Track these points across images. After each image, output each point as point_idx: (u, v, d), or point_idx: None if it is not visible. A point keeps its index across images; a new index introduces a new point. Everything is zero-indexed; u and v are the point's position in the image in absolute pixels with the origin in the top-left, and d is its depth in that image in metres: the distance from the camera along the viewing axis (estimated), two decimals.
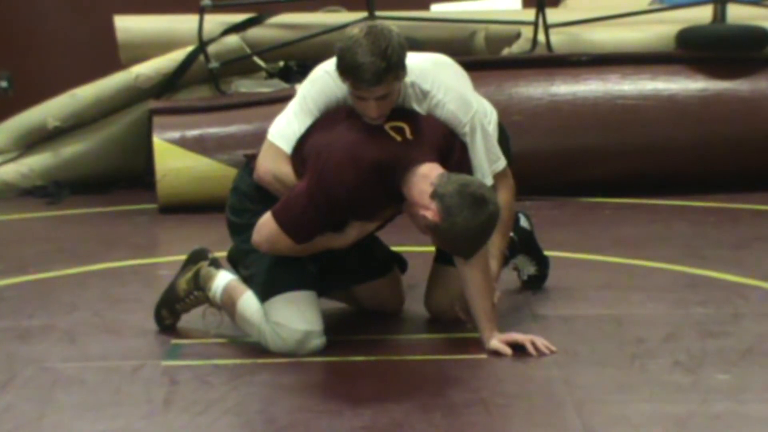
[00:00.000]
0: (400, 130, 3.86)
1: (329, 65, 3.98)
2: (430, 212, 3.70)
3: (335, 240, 3.93)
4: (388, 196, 3.85)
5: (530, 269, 4.72)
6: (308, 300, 3.95)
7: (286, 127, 3.99)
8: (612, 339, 4.07)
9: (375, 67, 3.72)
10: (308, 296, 3.96)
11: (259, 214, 3.92)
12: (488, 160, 4.01)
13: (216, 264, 4.20)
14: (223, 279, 4.12)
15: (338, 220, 3.90)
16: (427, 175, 3.75)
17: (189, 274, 4.22)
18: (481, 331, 3.95)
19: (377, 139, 3.83)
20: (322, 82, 4.00)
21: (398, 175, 3.79)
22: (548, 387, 3.61)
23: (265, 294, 3.96)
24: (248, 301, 4.00)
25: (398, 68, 3.80)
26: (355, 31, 3.82)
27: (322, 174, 3.77)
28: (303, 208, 3.79)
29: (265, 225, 3.85)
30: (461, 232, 3.70)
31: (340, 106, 3.98)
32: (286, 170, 3.93)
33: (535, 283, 4.73)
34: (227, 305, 4.08)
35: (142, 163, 7.47)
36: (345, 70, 3.79)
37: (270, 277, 3.95)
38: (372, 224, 3.97)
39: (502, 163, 4.09)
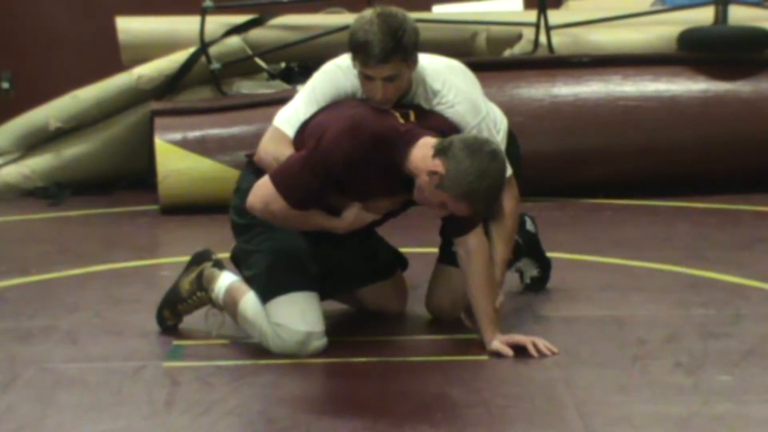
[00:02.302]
0: (405, 115, 3.89)
1: (341, 59, 4.02)
2: (437, 166, 3.67)
3: (330, 221, 3.90)
4: (386, 175, 3.82)
5: (533, 272, 4.73)
6: (309, 301, 3.95)
7: (292, 114, 4.01)
8: (613, 340, 4.07)
9: (384, 45, 3.77)
10: (309, 297, 3.96)
11: None
12: None
13: (219, 265, 4.20)
14: (225, 280, 4.12)
15: (334, 201, 3.88)
16: (428, 143, 3.76)
17: (192, 275, 4.22)
18: (482, 332, 3.95)
19: (381, 116, 3.85)
20: (333, 74, 4.03)
21: (399, 151, 3.77)
22: (549, 388, 3.61)
23: (266, 295, 3.96)
24: (250, 302, 4.00)
25: (407, 50, 3.83)
26: (368, 11, 3.87)
27: (322, 140, 3.76)
28: (299, 170, 3.78)
29: (261, 186, 3.84)
30: (471, 176, 3.65)
31: (348, 98, 4.00)
32: (287, 153, 3.92)
33: (536, 285, 4.73)
34: (229, 306, 4.08)
35: (144, 164, 7.48)
36: (354, 47, 3.83)
37: (271, 278, 3.95)
38: (370, 215, 3.94)
39: (507, 171, 4.07)
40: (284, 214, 3.82)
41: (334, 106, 3.97)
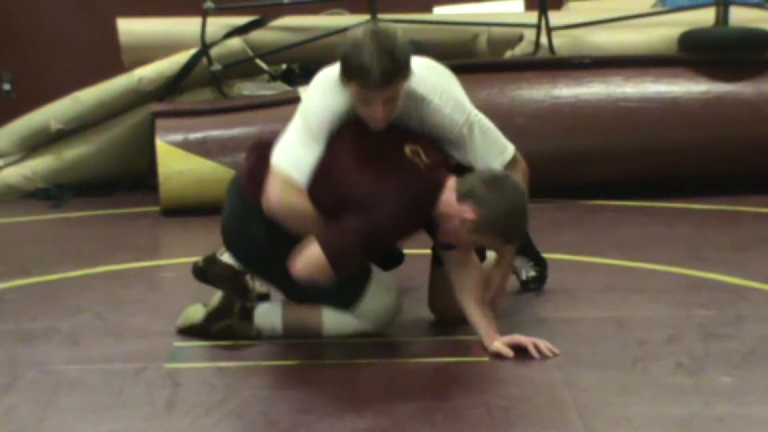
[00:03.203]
0: (416, 153, 3.86)
1: (326, 79, 3.90)
2: (467, 213, 3.73)
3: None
4: (421, 224, 3.93)
5: (530, 271, 4.72)
6: (377, 278, 4.06)
7: (297, 157, 3.83)
8: (614, 341, 4.08)
9: (383, 68, 3.69)
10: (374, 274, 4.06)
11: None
12: (494, 152, 4.00)
13: (245, 315, 4.12)
14: (269, 319, 4.09)
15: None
16: (450, 186, 3.81)
17: (221, 325, 4.14)
18: (482, 337, 3.95)
19: (413, 178, 3.80)
20: (323, 101, 3.88)
21: (433, 204, 3.82)
22: (550, 389, 3.61)
23: (351, 300, 4.01)
24: (333, 318, 4.05)
25: (406, 68, 3.77)
26: (358, 32, 3.77)
27: (378, 224, 3.74)
28: (355, 248, 3.78)
29: (311, 257, 3.75)
30: (505, 215, 3.74)
31: (346, 123, 3.88)
32: (302, 203, 3.81)
33: (535, 285, 4.73)
34: (302, 333, 4.06)
35: (145, 166, 7.48)
36: (351, 72, 3.73)
37: (340, 289, 3.95)
38: None
39: (510, 151, 4.05)
40: (327, 278, 3.81)
41: (347, 153, 3.83)
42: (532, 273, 4.73)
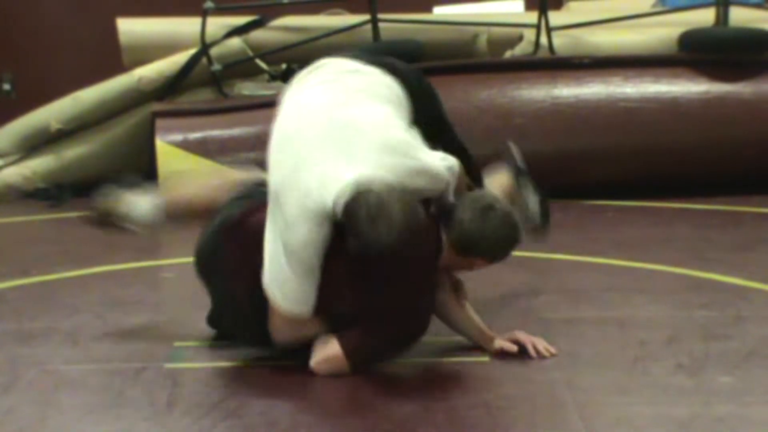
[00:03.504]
0: None
1: (306, 212, 3.61)
2: (477, 262, 3.80)
3: None
4: None
5: (533, 201, 4.53)
6: None
7: (297, 293, 3.68)
8: (614, 341, 4.07)
9: (397, 244, 3.53)
10: None
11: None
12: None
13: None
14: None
15: None
16: (444, 244, 3.78)
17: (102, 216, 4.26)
18: (479, 340, 3.94)
19: (422, 264, 3.77)
20: (313, 237, 3.61)
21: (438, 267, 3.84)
22: (550, 389, 3.60)
23: None
24: None
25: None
26: (353, 205, 3.53)
27: (406, 326, 3.76)
28: (381, 355, 3.79)
29: (335, 360, 3.72)
30: (504, 240, 3.79)
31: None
32: (310, 330, 3.77)
33: (542, 222, 4.57)
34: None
35: (145, 166, 7.48)
36: (363, 252, 3.57)
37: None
38: None
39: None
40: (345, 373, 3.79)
41: (342, 263, 3.69)
42: (537, 207, 4.58)
